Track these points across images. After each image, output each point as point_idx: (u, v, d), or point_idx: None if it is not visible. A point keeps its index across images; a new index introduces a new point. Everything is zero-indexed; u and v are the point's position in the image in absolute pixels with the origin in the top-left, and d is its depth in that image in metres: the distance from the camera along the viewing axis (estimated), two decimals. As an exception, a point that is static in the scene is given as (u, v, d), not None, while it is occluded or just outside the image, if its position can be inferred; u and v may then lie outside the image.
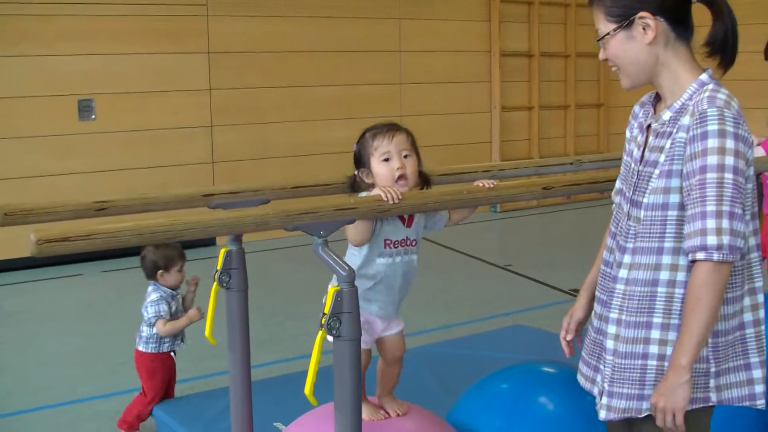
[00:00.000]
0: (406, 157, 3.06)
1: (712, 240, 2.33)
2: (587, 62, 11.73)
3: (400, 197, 2.81)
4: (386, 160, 3.04)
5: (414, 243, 3.11)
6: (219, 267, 3.24)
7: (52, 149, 8.36)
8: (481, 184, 3.04)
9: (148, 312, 4.49)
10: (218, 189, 3.34)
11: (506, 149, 11.06)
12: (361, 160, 3.11)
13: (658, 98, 2.63)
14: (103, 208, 2.92)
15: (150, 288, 4.55)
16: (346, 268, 2.59)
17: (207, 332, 3.38)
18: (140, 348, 4.54)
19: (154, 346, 4.52)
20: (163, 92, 8.84)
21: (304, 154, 9.49)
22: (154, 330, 4.49)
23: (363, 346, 3.07)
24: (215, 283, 3.25)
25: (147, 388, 4.55)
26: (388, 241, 3.05)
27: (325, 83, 9.74)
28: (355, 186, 3.16)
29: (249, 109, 9.30)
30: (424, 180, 3.17)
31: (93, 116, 8.56)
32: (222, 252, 3.23)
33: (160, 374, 4.55)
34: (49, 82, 8.30)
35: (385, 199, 2.79)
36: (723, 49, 2.52)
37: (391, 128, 3.08)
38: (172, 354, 4.59)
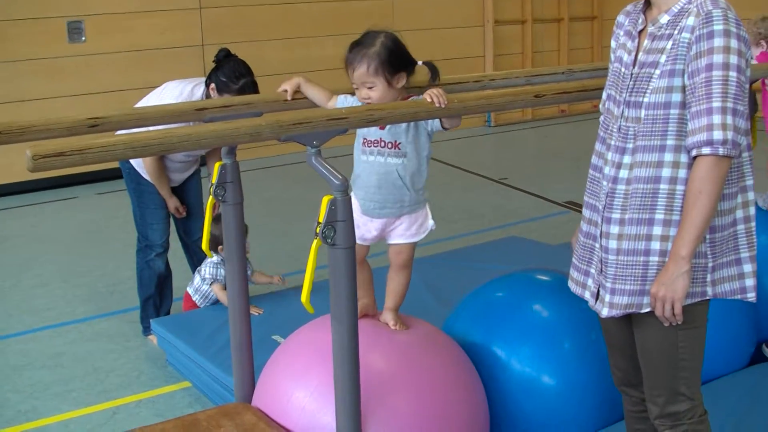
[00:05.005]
0: (370, 88, 3.04)
1: (718, 135, 2.40)
2: (580, -26, 11.63)
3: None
4: (357, 88, 3.07)
5: (390, 146, 3.09)
6: (214, 181, 3.25)
7: (43, 72, 8.31)
8: (429, 99, 2.92)
9: (207, 271, 4.70)
10: (211, 103, 3.35)
11: (500, 63, 10.98)
12: None
13: (646, 6, 2.65)
14: (96, 125, 2.91)
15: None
16: (339, 177, 2.61)
17: (204, 245, 3.42)
18: (190, 292, 4.81)
19: (199, 299, 4.79)
20: (152, 12, 8.75)
21: (296, 72, 9.36)
22: (207, 287, 4.72)
23: None
24: (211, 197, 3.27)
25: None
26: (365, 140, 3.11)
27: (317, -1, 9.66)
28: None
29: (240, 27, 9.21)
30: (431, 70, 3.23)
31: (83, 38, 8.50)
32: (216, 166, 3.25)
33: None
34: (38, 5, 8.22)
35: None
36: None
37: (354, 60, 3.04)
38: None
